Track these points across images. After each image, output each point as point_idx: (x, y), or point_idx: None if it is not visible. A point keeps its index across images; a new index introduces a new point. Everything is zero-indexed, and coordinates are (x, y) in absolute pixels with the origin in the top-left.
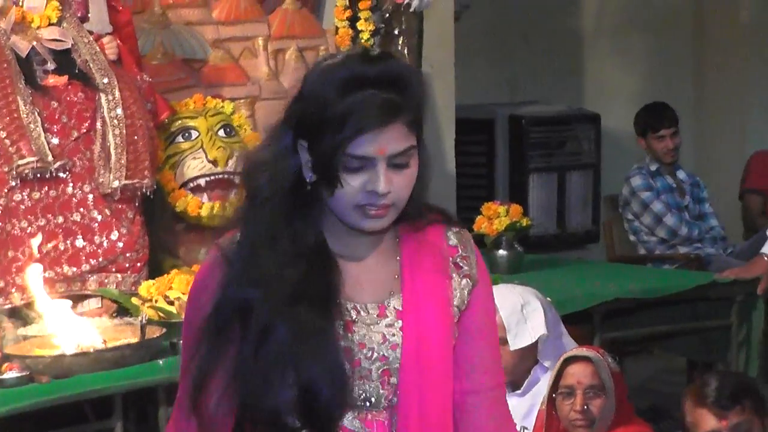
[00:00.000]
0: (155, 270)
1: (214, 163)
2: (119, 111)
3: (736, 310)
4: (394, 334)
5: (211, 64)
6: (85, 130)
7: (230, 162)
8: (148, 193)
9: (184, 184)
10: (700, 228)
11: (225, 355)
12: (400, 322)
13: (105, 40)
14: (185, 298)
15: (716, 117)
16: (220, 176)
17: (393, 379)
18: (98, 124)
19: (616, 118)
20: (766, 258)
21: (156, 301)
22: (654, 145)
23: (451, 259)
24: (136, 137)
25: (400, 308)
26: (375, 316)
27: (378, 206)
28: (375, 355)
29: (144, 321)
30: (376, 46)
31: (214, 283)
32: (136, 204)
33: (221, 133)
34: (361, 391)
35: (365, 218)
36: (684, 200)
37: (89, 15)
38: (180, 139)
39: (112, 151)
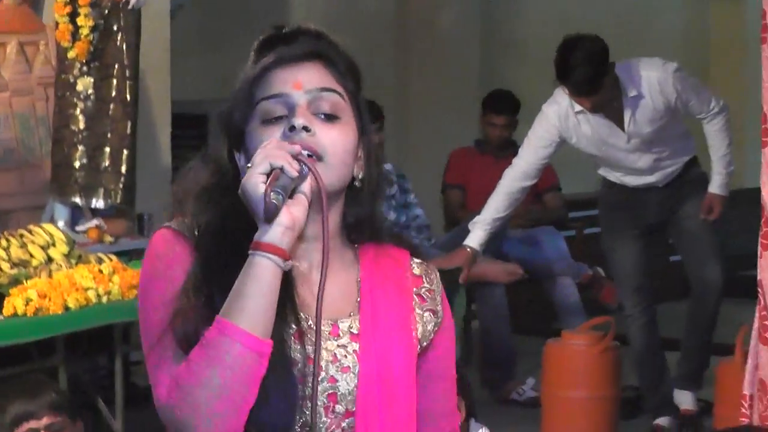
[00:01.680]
0: None
1: None
2: None
3: None
4: (346, 356)
5: None
6: None
7: None
8: None
9: None
10: (407, 215)
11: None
12: (354, 344)
13: None
14: None
15: (419, 115)
16: None
17: (339, 407)
18: None
19: None
20: (468, 249)
21: None
22: None
23: (415, 289)
24: None
25: (356, 331)
26: (327, 333)
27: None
28: (323, 374)
29: None
30: (96, 41)
31: (182, 256)
32: None
33: None
34: (300, 416)
35: None
36: (391, 189)
37: None
38: None
39: None
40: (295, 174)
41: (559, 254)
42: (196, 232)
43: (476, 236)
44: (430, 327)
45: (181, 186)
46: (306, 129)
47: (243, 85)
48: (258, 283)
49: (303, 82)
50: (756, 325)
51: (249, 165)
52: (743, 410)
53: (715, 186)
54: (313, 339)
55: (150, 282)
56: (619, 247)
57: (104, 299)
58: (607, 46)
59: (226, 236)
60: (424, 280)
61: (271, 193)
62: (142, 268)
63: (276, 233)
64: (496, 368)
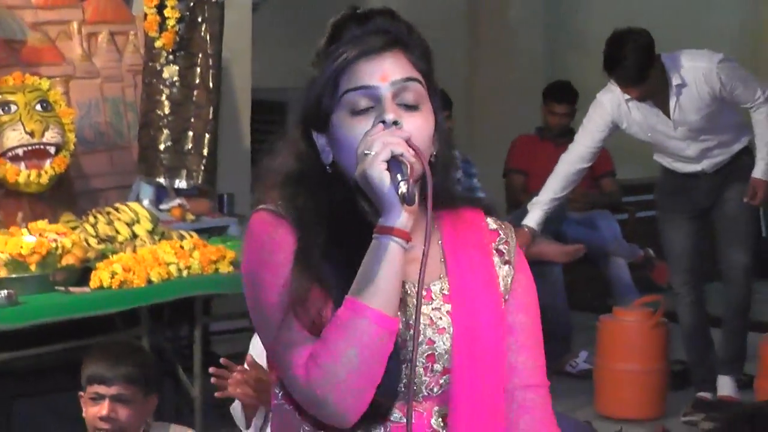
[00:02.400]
0: None
1: (32, 134)
2: None
3: None
4: (441, 318)
5: (29, 45)
6: None
7: (46, 134)
8: None
9: (3, 154)
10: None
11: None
12: (447, 306)
13: None
14: (4, 256)
15: (485, 104)
16: (37, 146)
17: (437, 366)
18: None
19: None
20: (526, 229)
21: None
22: None
23: (493, 244)
24: None
25: (447, 292)
26: (421, 298)
27: None
28: (421, 337)
29: None
30: (181, 32)
31: (285, 238)
32: None
33: (38, 107)
34: (403, 376)
35: None
36: (456, 174)
37: None
38: (0, 112)
39: None
40: (413, 159)
41: (614, 236)
42: (290, 213)
43: (534, 216)
44: (509, 280)
45: (267, 172)
46: (396, 123)
47: (328, 74)
48: (389, 266)
49: (388, 74)
50: None
51: (367, 152)
52: None
53: (759, 172)
54: (409, 304)
55: (259, 268)
56: (671, 229)
57: (185, 273)
58: (653, 40)
59: (324, 217)
60: (500, 233)
61: (407, 184)
62: (246, 250)
63: (403, 218)
64: (552, 341)
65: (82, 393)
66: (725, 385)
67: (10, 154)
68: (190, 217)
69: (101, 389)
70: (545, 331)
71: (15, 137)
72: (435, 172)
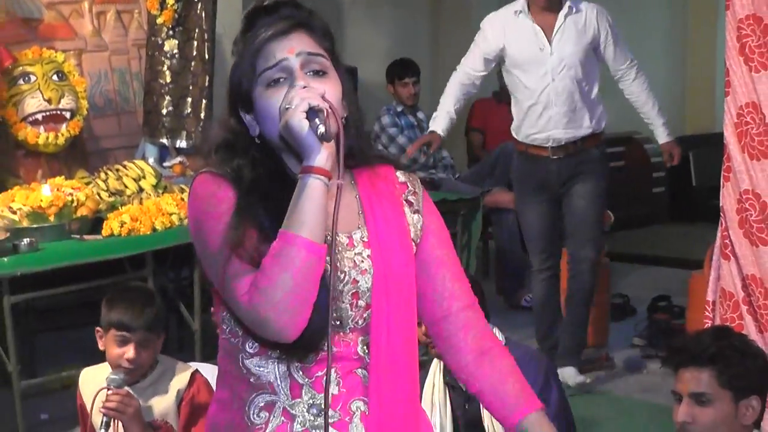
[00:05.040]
0: (0, 187)
1: (49, 101)
2: None
3: (460, 222)
4: (362, 261)
5: (45, 22)
6: None
7: (62, 100)
8: None
9: (24, 119)
10: (435, 157)
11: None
12: (368, 250)
13: None
14: (26, 208)
15: (448, 72)
16: (54, 112)
17: (360, 302)
18: None
19: (370, 72)
20: (436, 134)
21: (1, 212)
22: (399, 90)
23: (402, 195)
24: None
25: (366, 239)
26: (345, 244)
27: None
28: (347, 278)
29: None
30: (180, 10)
31: (227, 193)
32: None
33: (54, 77)
34: (333, 312)
35: None
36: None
37: None
38: (21, 82)
39: None
40: (327, 109)
41: None
42: (229, 173)
43: (441, 123)
44: (419, 226)
45: (206, 142)
46: (304, 88)
47: (246, 59)
48: (313, 200)
49: (295, 48)
50: (718, 243)
51: (288, 106)
52: (707, 314)
53: (665, 135)
54: (336, 249)
55: (204, 219)
56: (526, 213)
57: (185, 222)
58: None
59: (258, 174)
60: (408, 185)
61: (324, 124)
62: (191, 206)
63: (323, 158)
64: (509, 279)
65: (99, 329)
66: (569, 375)
67: (30, 119)
68: (190, 172)
69: (127, 335)
70: (503, 271)
71: (34, 104)
72: (348, 133)
